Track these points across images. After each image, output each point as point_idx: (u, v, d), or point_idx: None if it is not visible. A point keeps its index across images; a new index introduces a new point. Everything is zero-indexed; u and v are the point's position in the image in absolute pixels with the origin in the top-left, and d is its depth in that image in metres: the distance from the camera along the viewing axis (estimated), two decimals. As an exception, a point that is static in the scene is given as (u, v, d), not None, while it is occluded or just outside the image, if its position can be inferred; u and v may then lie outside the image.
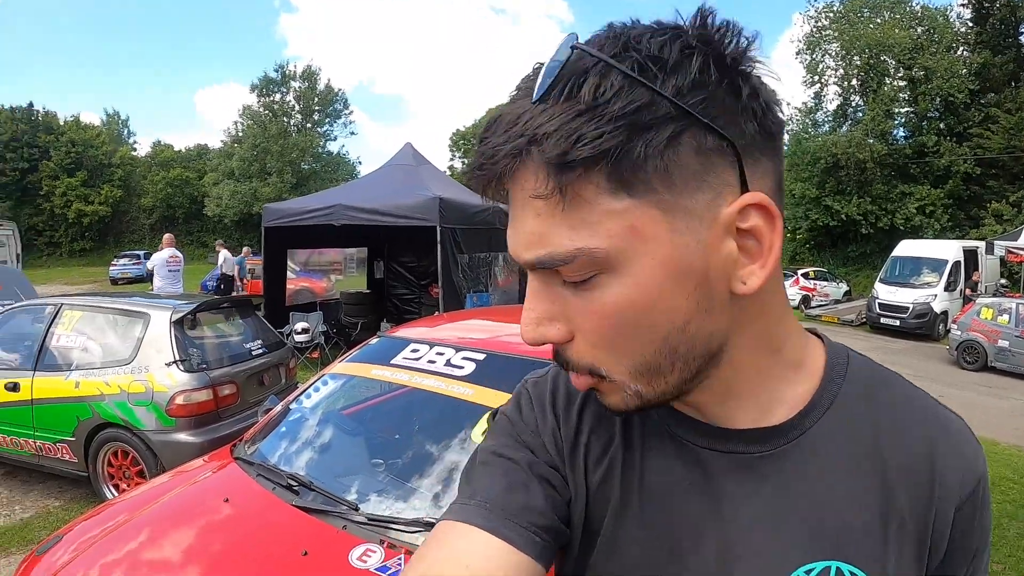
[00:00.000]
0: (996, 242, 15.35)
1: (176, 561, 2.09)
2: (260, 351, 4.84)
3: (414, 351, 2.90)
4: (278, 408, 3.03)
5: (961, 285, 15.05)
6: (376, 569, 1.91)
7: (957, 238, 17.74)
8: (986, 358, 11.28)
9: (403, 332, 3.35)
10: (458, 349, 2.82)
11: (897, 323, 14.46)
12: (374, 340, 3.29)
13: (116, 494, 4.02)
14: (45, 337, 4.44)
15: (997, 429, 7.44)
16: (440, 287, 7.25)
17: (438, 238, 6.97)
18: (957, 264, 14.95)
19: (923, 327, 14.21)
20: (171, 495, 2.46)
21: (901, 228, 20.81)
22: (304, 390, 3.11)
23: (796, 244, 24.55)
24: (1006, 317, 11.27)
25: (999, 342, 11.17)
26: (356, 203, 7.38)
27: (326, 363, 6.42)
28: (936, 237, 18.29)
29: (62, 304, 4.62)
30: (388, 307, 10.00)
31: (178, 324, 4.22)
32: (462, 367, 2.70)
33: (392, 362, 2.89)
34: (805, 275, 19.53)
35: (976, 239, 17.37)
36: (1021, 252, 14.44)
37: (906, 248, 16.24)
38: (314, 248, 9.73)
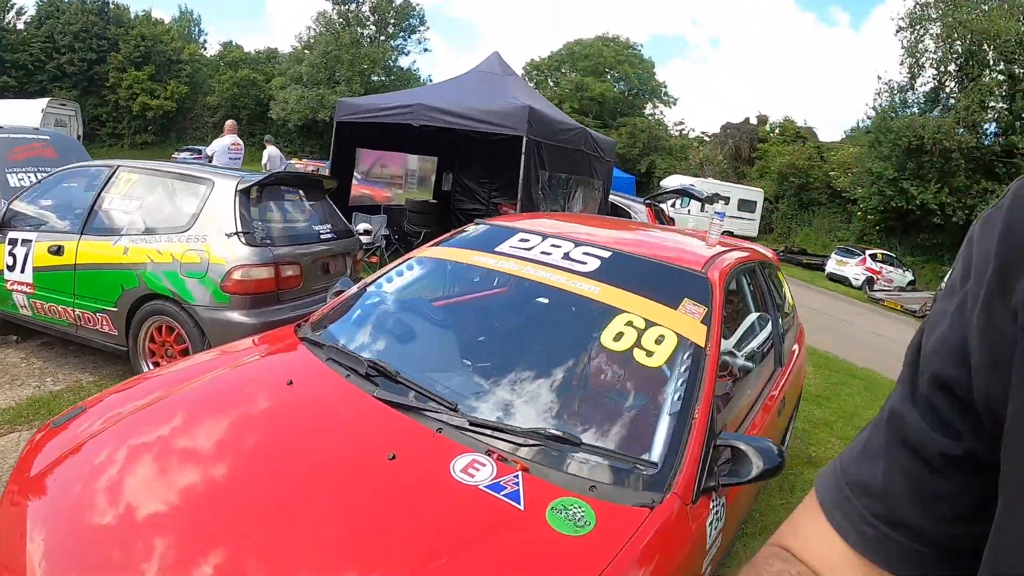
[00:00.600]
0: None
1: (226, 449, 1.72)
2: (328, 236, 4.37)
3: (523, 240, 2.51)
4: (353, 290, 2.59)
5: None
6: (488, 487, 1.52)
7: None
8: None
9: (506, 222, 2.87)
10: (577, 243, 2.44)
11: None
12: (471, 227, 2.83)
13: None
14: (97, 199, 4.02)
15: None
16: (518, 201, 6.69)
17: (523, 149, 6.40)
18: None
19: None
20: (219, 372, 2.07)
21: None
22: (385, 272, 2.68)
23: (866, 224, 23.14)
24: None
25: None
26: (438, 104, 6.76)
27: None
28: None
29: (119, 166, 4.17)
30: (452, 220, 9.52)
31: (244, 194, 3.75)
32: (584, 263, 2.32)
33: (497, 250, 2.48)
34: (873, 256, 18.46)
35: None
36: None
37: None
38: (384, 151, 9.21)
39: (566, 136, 7.27)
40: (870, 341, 10.03)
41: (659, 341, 1.95)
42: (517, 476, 1.56)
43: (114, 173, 4.09)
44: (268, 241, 3.76)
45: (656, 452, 1.69)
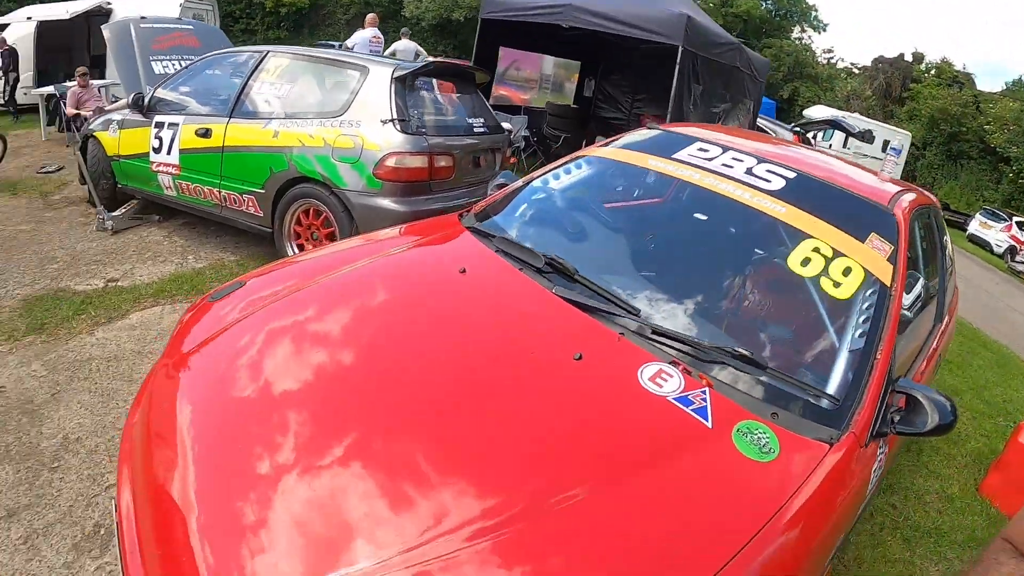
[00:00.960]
0: None
1: (402, 334, 1.68)
2: (480, 129, 4.28)
3: (703, 150, 2.39)
4: (518, 184, 2.52)
5: None
6: (676, 400, 1.48)
7: None
8: None
9: (681, 128, 2.70)
10: (760, 159, 2.30)
11: None
12: (644, 131, 2.70)
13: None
14: (246, 84, 4.08)
15: None
16: (668, 113, 6.30)
17: (678, 59, 5.92)
18: None
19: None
20: (390, 254, 2.05)
21: None
22: (552, 169, 2.58)
23: (1016, 188, 20.62)
24: None
25: None
26: (590, 6, 6.33)
27: (521, 171, 6.02)
28: None
29: (269, 51, 4.19)
30: (593, 127, 9.19)
31: (399, 82, 3.68)
32: (768, 180, 2.20)
33: (675, 156, 2.36)
34: (1020, 224, 16.31)
35: None
36: None
37: None
38: (528, 51, 8.91)
39: (721, 51, 6.70)
40: (1005, 314, 9.19)
41: (846, 273, 1.87)
42: (705, 392, 1.51)
43: (264, 58, 4.13)
44: (423, 130, 3.70)
45: (836, 387, 1.62)
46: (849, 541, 1.54)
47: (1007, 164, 21.37)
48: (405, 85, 3.69)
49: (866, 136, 11.42)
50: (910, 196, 2.37)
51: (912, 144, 23.59)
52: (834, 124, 10.39)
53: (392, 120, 3.54)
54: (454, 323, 1.73)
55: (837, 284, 1.84)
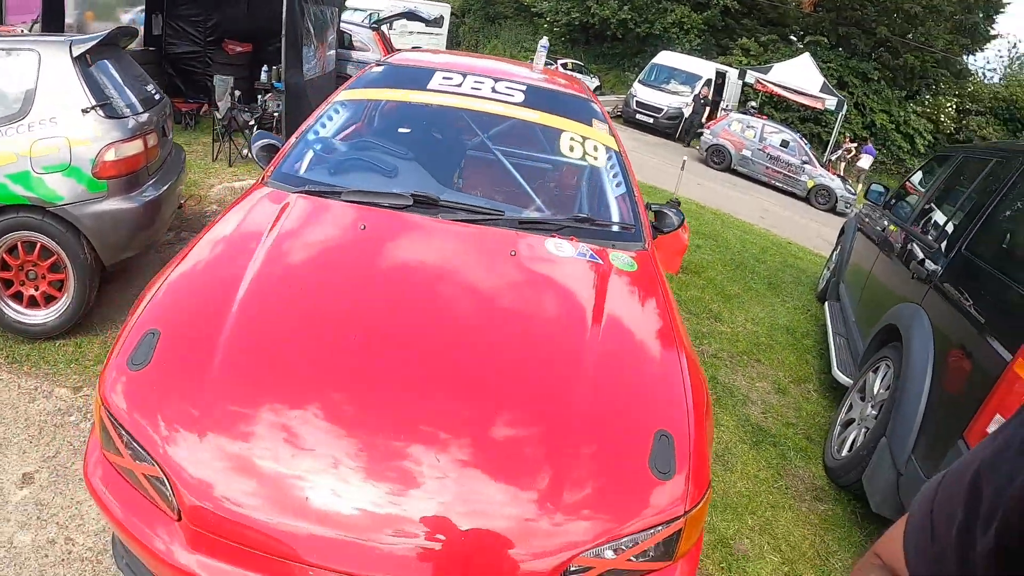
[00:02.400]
0: (749, 71, 18.26)
1: (391, 293, 1.93)
2: (157, 94, 3.99)
3: (448, 78, 2.91)
4: (292, 140, 2.70)
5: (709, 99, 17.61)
6: (578, 254, 2.20)
7: (704, 59, 19.96)
8: (730, 161, 14.09)
9: (403, 62, 3.26)
10: (495, 79, 2.97)
11: (651, 121, 16.75)
12: (375, 68, 3.15)
13: (24, 310, 3.19)
14: None
15: (748, 216, 9.76)
16: (283, 37, 6.37)
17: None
18: (709, 81, 17.50)
19: (673, 128, 16.74)
20: (273, 239, 2.00)
21: (656, 36, 22.91)
22: (317, 119, 2.79)
23: (552, 36, 25.71)
24: (752, 132, 14.01)
25: (743, 151, 13.96)
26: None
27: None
28: (685, 54, 20.31)
29: None
30: (166, 67, 8.32)
31: (81, 60, 3.24)
32: (512, 95, 2.87)
33: (431, 88, 2.85)
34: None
35: (722, 64, 19.97)
36: (767, 83, 17.53)
37: (666, 58, 18.34)
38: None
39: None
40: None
41: (596, 149, 2.79)
42: (582, 244, 2.25)
43: None
44: (126, 110, 3.40)
45: (631, 220, 2.52)
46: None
47: (541, 17, 25.96)
48: (89, 62, 3.28)
49: (439, 21, 12.98)
50: (587, 86, 3.44)
51: (452, 13, 26.57)
52: (409, 15, 11.55)
53: (94, 107, 3.18)
54: (408, 269, 2.02)
55: (595, 158, 2.75)
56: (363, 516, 1.35)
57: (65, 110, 3.12)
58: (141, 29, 7.77)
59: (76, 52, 3.22)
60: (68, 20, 6.68)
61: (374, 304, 1.86)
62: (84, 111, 3.16)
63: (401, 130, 2.98)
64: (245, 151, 6.63)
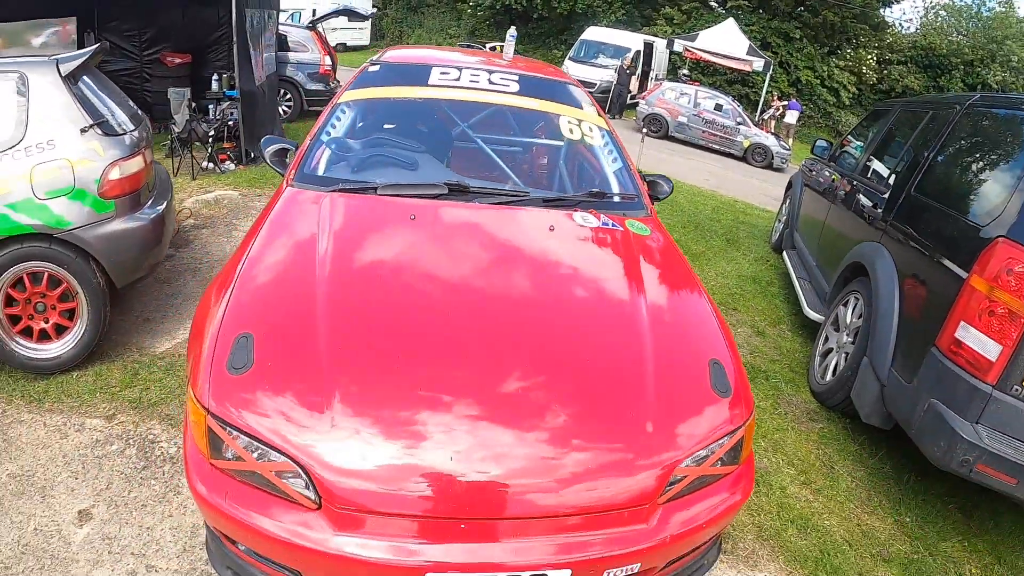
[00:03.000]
0: (677, 40, 18.81)
1: (461, 276, 2.12)
2: (139, 111, 3.97)
3: (445, 73, 3.07)
4: (307, 142, 2.81)
5: (639, 70, 18.05)
6: (602, 224, 2.44)
7: (631, 31, 20.39)
8: (667, 129, 14.58)
9: (398, 60, 3.40)
10: (489, 71, 3.15)
11: None
12: (371, 67, 3.25)
13: (36, 345, 3.10)
14: None
15: (694, 180, 10.23)
16: (235, 43, 6.35)
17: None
18: (638, 53, 17.92)
19: (605, 102, 17.09)
20: (337, 248, 2.10)
21: (579, 13, 23.20)
22: (326, 121, 2.92)
23: (476, 20, 25.70)
24: (686, 99, 14.52)
25: (679, 118, 14.46)
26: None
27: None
28: (611, 28, 20.68)
29: None
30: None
31: (71, 79, 3.25)
32: (507, 85, 3.07)
33: (432, 83, 3.02)
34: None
35: (648, 35, 20.42)
36: (695, 50, 18.09)
37: (594, 33, 18.75)
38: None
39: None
40: None
41: (590, 130, 3.02)
42: (602, 216, 2.49)
43: None
44: (122, 127, 3.42)
45: (632, 191, 2.79)
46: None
47: (464, 2, 25.80)
48: (75, 80, 3.29)
49: (366, 14, 13.02)
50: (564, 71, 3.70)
51: (374, 6, 26.14)
52: (344, 12, 11.51)
53: (92, 125, 3.19)
54: (468, 247, 2.23)
55: (592, 137, 2.98)
56: (497, 459, 1.55)
57: (62, 131, 3.10)
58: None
59: (65, 71, 3.21)
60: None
61: (448, 285, 2.05)
62: (83, 130, 3.16)
63: (414, 126, 3.12)
64: (206, 163, 6.58)
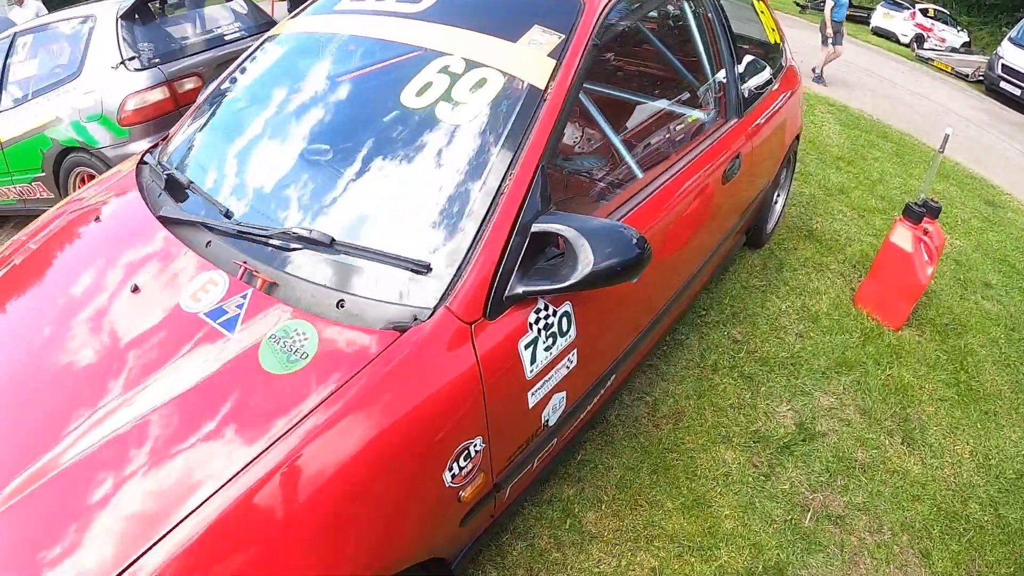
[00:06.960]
0: None
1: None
2: (236, 34, 4.29)
3: None
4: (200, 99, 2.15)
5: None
6: (207, 314, 1.26)
7: None
8: None
9: None
10: None
11: (1019, 92, 11.67)
12: None
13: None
14: (2, 74, 4.13)
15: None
16: None
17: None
18: None
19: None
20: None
21: None
22: (231, 73, 2.10)
23: None
24: None
25: None
26: None
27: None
28: None
29: (15, 33, 4.23)
30: None
31: (126, 19, 3.78)
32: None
33: (337, 9, 1.95)
34: (924, 11, 16.49)
35: None
36: None
37: None
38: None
39: None
40: (913, 103, 8.74)
41: (479, 85, 1.46)
42: (245, 296, 1.28)
43: (12, 43, 4.17)
44: (157, 60, 3.81)
45: (431, 248, 1.28)
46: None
47: None
48: (134, 19, 3.80)
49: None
50: None
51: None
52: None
53: (122, 62, 3.68)
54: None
55: (457, 104, 1.45)
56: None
57: (102, 66, 3.73)
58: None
59: (121, 11, 3.78)
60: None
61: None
62: (113, 67, 3.71)
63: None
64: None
